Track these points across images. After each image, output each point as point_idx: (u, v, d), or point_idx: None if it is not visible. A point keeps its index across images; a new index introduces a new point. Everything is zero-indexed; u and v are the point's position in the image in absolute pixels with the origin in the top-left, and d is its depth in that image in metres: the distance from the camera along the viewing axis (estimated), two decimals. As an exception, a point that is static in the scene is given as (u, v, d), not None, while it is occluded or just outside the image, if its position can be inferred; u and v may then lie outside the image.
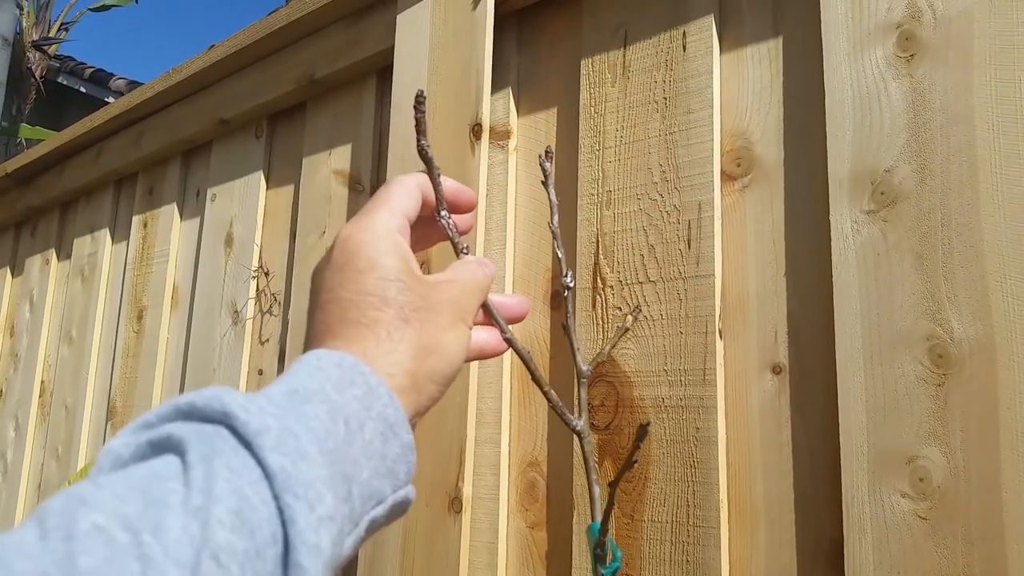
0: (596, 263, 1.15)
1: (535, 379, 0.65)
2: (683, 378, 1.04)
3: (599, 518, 0.68)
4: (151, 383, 1.95)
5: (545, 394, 0.66)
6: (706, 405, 1.02)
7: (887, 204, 0.91)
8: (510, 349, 0.63)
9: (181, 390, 1.88)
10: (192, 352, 1.86)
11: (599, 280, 1.15)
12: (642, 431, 0.62)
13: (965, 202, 0.86)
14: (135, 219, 2.16)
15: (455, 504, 1.18)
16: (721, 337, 1.04)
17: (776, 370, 0.99)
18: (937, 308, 0.86)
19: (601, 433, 1.11)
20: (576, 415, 0.69)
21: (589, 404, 1.13)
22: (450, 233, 0.62)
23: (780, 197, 1.03)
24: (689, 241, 1.06)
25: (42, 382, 2.41)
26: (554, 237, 0.75)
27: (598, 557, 0.63)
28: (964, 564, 0.82)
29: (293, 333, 1.61)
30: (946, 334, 0.85)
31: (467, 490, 1.18)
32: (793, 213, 1.02)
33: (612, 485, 0.66)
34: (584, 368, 0.71)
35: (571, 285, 0.72)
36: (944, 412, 0.85)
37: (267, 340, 1.70)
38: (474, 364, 1.24)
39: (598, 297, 1.14)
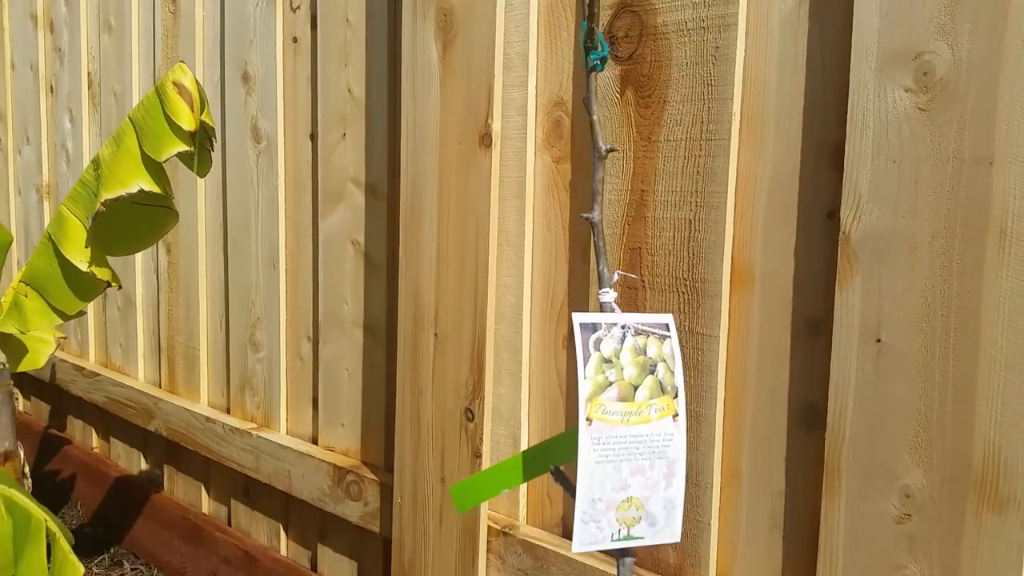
0: None
1: None
2: None
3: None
4: (192, 61, 2.00)
5: None
6: (727, 23, 1.04)
7: None
8: None
9: (221, 66, 1.94)
10: (228, 26, 1.89)
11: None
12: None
13: None
14: None
15: (485, 140, 1.25)
16: (746, -44, 1.03)
17: (798, -15, 1.00)
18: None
19: (624, 64, 1.15)
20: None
21: (613, 36, 1.15)
22: None
23: None
24: None
25: (88, 73, 2.48)
26: None
27: (587, 48, 0.69)
28: (955, 150, 0.87)
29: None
30: (972, -75, 0.85)
31: (496, 126, 1.25)
32: None
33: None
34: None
35: None
36: (954, 7, 0.86)
37: (298, 7, 1.71)
38: (499, 6, 1.25)
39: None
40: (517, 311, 1.34)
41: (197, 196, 2.05)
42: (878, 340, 0.94)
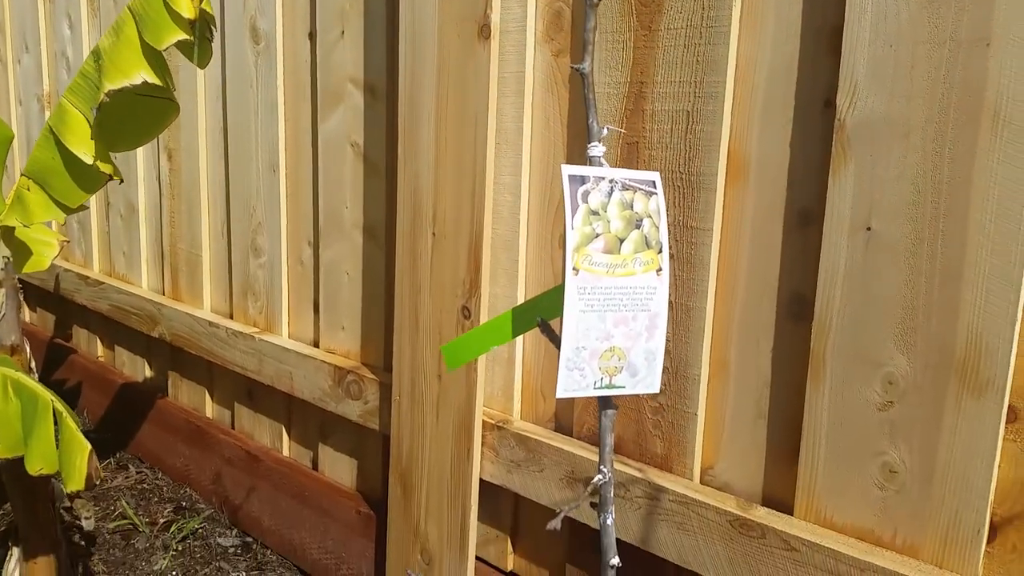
0: None
1: None
2: None
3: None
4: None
5: None
6: (729, -93, 1.02)
7: None
8: None
9: (219, -32, 1.91)
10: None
11: None
12: None
13: None
14: None
15: (484, 32, 1.24)
16: None
17: None
18: None
19: (625, -47, 1.13)
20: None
21: (615, -76, 1.13)
22: None
23: None
24: None
25: (86, -22, 2.44)
26: None
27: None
28: (952, 31, 0.87)
29: None
30: None
31: (495, 17, 1.23)
32: None
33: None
34: None
35: None
36: None
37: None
38: None
39: None
40: (514, 210, 1.34)
41: (197, 101, 2.04)
42: (868, 228, 0.95)
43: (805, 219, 1.03)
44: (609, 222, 0.58)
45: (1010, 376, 0.87)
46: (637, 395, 1.20)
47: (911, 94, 0.90)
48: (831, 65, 0.98)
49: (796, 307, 1.05)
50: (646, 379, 0.59)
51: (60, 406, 1.19)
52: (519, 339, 1.39)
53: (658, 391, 0.70)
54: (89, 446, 1.14)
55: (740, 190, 1.08)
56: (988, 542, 0.92)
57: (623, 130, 1.12)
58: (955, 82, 0.87)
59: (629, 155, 1.17)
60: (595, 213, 0.57)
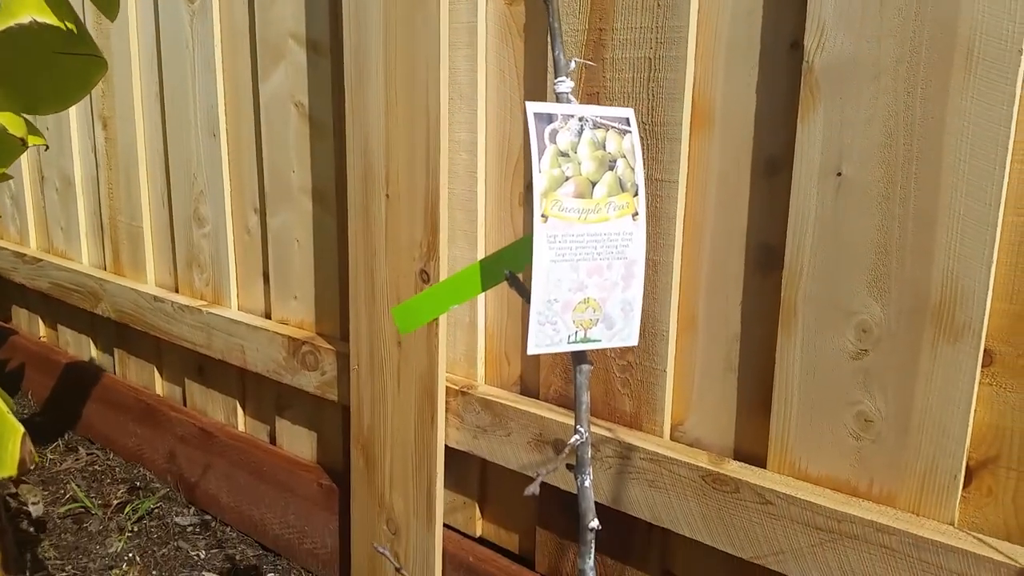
0: None
1: None
2: None
3: None
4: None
5: None
6: None
7: None
8: None
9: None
10: None
11: None
12: None
13: None
14: None
15: (433, -21, 1.18)
16: None
17: None
18: None
19: None
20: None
21: None
22: None
23: None
24: None
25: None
26: None
27: None
28: (925, -35, 0.84)
29: None
30: None
31: (444, -36, 1.17)
32: None
33: None
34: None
35: None
36: None
37: None
38: None
39: None
40: (471, 168, 1.29)
41: (131, 65, 1.94)
42: (838, 173, 0.92)
43: (773, 167, 1.00)
44: (580, 164, 0.53)
45: (986, 319, 0.85)
46: (605, 354, 1.16)
47: (881, 33, 0.87)
48: (797, 5, 0.94)
49: (765, 258, 1.02)
50: (623, 331, 0.56)
51: (-7, 389, 1.11)
52: (481, 303, 1.34)
53: (636, 344, 0.66)
54: (22, 429, 1.06)
55: (705, 139, 1.04)
56: (964, 487, 0.91)
57: (592, 63, 1.07)
58: (927, 19, 0.84)
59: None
60: (564, 154, 0.53)
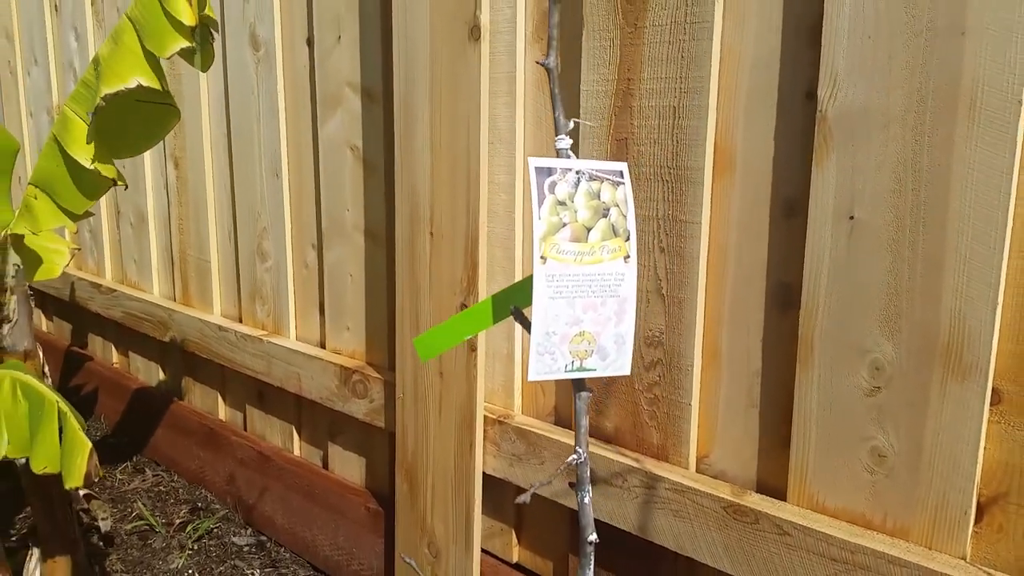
0: None
1: None
2: None
3: None
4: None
5: None
6: (709, -96, 1.03)
7: None
8: None
9: (221, -23, 1.94)
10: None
11: None
12: None
13: None
14: None
15: (474, 32, 1.26)
16: None
17: None
18: None
19: (610, -48, 1.15)
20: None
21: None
22: None
23: None
24: None
25: (92, -10, 2.49)
26: None
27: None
28: (928, 21, 0.88)
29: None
30: None
31: (484, 18, 1.25)
32: None
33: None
34: None
35: None
36: None
37: (295, -88, 1.71)
38: None
39: None
40: (509, 208, 1.37)
41: (201, 108, 2.08)
42: (851, 217, 0.96)
43: (790, 209, 1.04)
44: (576, 212, 0.60)
45: (993, 359, 0.88)
46: (633, 387, 1.21)
47: (890, 84, 0.92)
48: (812, 58, 1.00)
49: (783, 296, 1.07)
50: (616, 362, 0.61)
51: (64, 407, 1.22)
52: (518, 336, 1.41)
53: (628, 373, 0.72)
54: (90, 444, 1.17)
55: (727, 183, 1.10)
56: (975, 522, 0.93)
57: (590, 123, 1.14)
58: (932, 71, 0.89)
59: (619, 151, 1.18)
60: (562, 203, 0.59)
